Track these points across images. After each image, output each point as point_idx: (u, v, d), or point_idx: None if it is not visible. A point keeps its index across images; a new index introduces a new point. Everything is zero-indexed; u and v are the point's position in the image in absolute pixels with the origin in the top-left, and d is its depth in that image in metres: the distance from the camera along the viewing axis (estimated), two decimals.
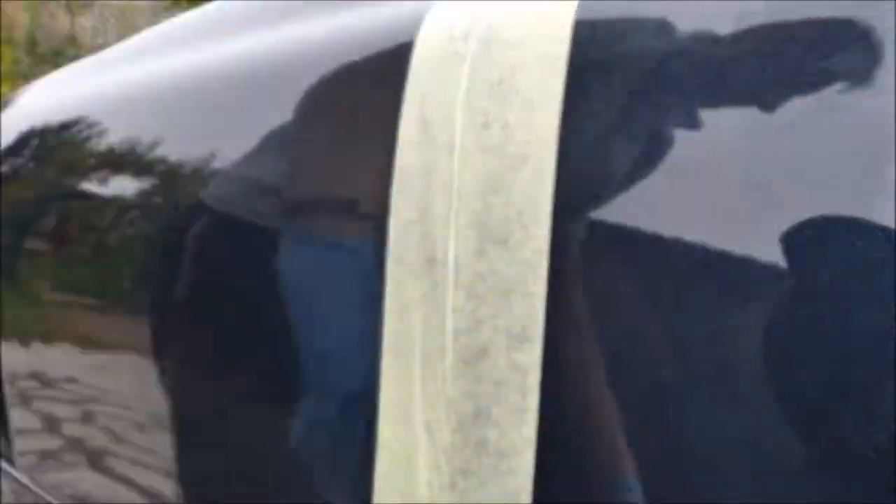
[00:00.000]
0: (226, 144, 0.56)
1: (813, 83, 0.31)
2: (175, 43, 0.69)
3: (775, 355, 0.30)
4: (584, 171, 0.36)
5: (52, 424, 0.83)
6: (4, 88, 3.50)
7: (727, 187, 0.31)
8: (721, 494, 0.31)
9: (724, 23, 0.33)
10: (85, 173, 0.76)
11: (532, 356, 0.34)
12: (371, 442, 0.38)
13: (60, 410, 0.82)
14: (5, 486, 0.89)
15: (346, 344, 0.46)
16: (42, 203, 0.84)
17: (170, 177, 0.62)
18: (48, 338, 0.84)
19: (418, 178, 0.38)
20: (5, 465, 0.89)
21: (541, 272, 0.34)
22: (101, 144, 0.73)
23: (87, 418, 0.76)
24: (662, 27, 0.35)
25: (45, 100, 0.90)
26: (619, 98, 0.36)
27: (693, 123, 0.33)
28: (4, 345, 0.85)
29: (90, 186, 0.75)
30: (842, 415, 0.28)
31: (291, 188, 0.52)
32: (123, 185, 0.69)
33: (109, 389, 0.73)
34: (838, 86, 0.30)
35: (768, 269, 0.30)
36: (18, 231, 0.87)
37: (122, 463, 0.72)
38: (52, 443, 0.84)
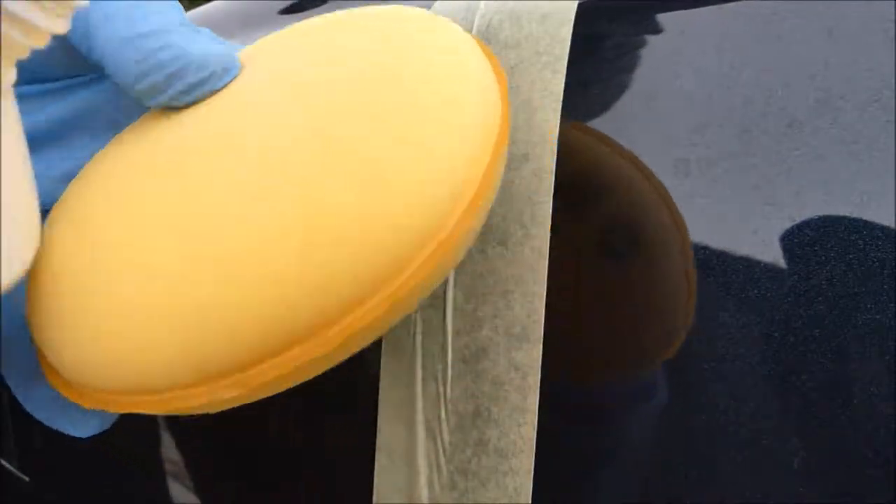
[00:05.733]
0: None
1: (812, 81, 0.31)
2: None
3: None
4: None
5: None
6: None
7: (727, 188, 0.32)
8: (722, 493, 0.32)
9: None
10: None
11: (532, 356, 0.34)
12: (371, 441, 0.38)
13: None
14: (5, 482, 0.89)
15: None
16: None
17: None
18: None
19: None
20: (5, 463, 0.89)
21: (541, 272, 0.34)
22: None
23: None
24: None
25: None
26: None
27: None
28: None
29: None
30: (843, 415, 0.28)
31: None
32: None
33: None
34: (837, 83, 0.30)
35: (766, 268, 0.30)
36: None
37: None
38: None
